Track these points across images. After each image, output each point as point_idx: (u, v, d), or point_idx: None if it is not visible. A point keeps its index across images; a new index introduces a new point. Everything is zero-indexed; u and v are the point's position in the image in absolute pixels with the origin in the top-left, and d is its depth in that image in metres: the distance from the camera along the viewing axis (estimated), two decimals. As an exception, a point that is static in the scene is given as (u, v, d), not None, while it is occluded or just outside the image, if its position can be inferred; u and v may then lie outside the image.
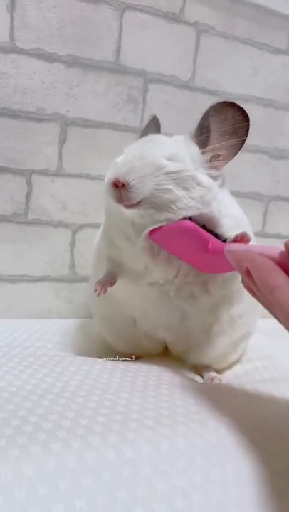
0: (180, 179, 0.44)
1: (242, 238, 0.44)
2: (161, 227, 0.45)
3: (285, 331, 0.31)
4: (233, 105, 0.46)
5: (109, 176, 0.45)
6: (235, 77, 0.84)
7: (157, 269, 0.49)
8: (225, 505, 0.32)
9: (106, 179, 0.46)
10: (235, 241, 0.44)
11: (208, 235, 0.44)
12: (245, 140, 0.47)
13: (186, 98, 0.81)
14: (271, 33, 0.85)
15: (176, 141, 0.49)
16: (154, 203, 0.44)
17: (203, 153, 0.48)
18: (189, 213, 0.45)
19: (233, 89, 0.84)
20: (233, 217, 0.49)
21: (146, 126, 0.59)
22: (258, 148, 0.89)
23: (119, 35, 0.75)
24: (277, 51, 0.87)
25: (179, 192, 0.44)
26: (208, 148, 0.47)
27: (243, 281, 0.34)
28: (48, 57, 0.71)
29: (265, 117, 0.88)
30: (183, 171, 0.44)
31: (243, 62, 0.84)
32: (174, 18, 0.78)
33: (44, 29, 0.70)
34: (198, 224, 0.45)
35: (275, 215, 0.94)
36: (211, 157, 0.48)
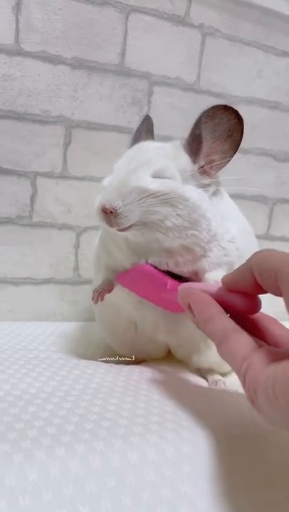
0: (168, 199, 0.44)
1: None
2: (124, 272, 0.49)
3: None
4: (226, 108, 0.45)
5: (97, 201, 0.45)
6: (241, 79, 0.84)
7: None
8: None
9: (95, 204, 0.46)
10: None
11: (166, 276, 0.47)
12: (239, 144, 0.46)
13: (191, 101, 0.81)
14: (276, 35, 0.85)
15: (165, 152, 0.47)
16: (145, 223, 0.45)
17: (194, 161, 0.47)
18: (175, 235, 0.45)
19: (238, 92, 0.84)
20: (222, 235, 0.48)
21: (138, 128, 0.58)
22: (263, 150, 0.89)
23: (124, 38, 0.75)
24: (283, 53, 0.87)
25: (166, 210, 0.44)
26: (201, 156, 0.46)
27: (191, 318, 0.37)
28: (53, 60, 0.71)
29: (270, 120, 0.88)
30: (170, 192, 0.44)
31: (248, 64, 0.84)
32: (179, 20, 0.78)
33: (49, 32, 0.70)
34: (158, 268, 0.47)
35: (280, 217, 0.94)
36: (205, 163, 0.47)
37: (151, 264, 0.47)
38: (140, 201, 0.43)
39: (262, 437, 0.37)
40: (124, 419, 0.36)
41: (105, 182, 0.48)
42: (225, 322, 0.33)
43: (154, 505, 0.30)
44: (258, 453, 0.36)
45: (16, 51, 0.69)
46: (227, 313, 0.34)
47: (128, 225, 0.44)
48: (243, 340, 0.31)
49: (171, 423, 0.37)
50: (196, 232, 0.46)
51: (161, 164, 0.45)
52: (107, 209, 0.43)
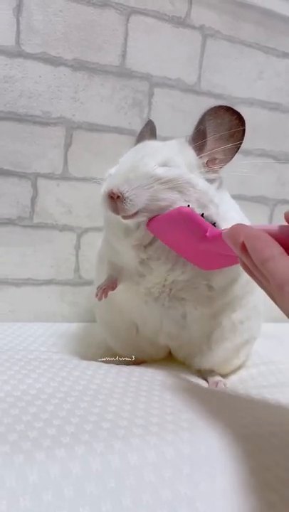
0: (175, 186, 0.44)
1: None
2: (157, 216, 0.45)
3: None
4: (228, 109, 0.46)
5: (104, 187, 0.45)
6: (241, 80, 0.84)
7: (151, 263, 0.48)
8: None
9: (102, 190, 0.46)
10: None
11: (207, 222, 0.42)
12: (241, 143, 0.47)
13: (191, 102, 0.81)
14: (277, 36, 0.85)
15: (171, 146, 0.48)
16: (152, 211, 0.44)
17: (199, 157, 0.47)
18: None
19: (239, 93, 0.84)
20: (230, 219, 0.48)
21: (141, 131, 0.59)
22: (264, 151, 0.89)
23: (125, 40, 0.75)
24: (283, 55, 0.87)
25: (174, 196, 0.44)
26: (205, 152, 0.47)
27: (240, 261, 0.33)
28: (54, 61, 0.71)
29: (270, 121, 0.88)
30: (177, 178, 0.44)
31: (248, 66, 0.84)
32: (179, 22, 0.78)
33: (50, 33, 0.70)
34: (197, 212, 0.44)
35: (280, 218, 0.93)
36: (208, 161, 0.48)
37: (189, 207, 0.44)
38: (147, 186, 0.43)
39: (262, 438, 0.37)
40: (124, 421, 0.36)
41: (111, 171, 0.48)
42: (288, 264, 0.28)
43: (154, 507, 0.30)
44: (258, 454, 0.36)
45: (16, 53, 0.69)
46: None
47: (134, 210, 0.44)
48: None
49: (171, 424, 0.37)
50: (206, 214, 0.45)
51: (167, 155, 0.46)
52: (114, 193, 0.43)
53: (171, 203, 0.44)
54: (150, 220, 0.45)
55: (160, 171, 0.44)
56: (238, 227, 0.33)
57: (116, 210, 0.44)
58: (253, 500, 0.32)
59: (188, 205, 0.44)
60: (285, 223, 0.32)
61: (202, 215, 0.44)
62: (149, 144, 0.50)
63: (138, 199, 0.43)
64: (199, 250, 0.43)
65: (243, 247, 0.32)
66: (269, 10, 0.83)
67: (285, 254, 0.30)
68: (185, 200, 0.44)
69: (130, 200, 0.43)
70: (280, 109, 0.89)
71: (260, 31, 0.83)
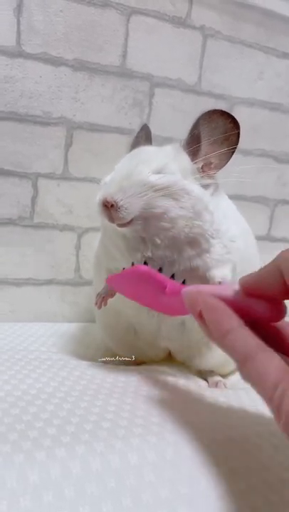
0: (169, 193, 0.44)
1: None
2: (117, 273, 0.45)
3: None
4: (222, 113, 0.46)
5: (98, 196, 0.45)
6: (241, 81, 0.84)
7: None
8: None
9: (96, 199, 0.46)
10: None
11: (165, 278, 0.42)
12: (236, 148, 0.47)
13: (192, 102, 0.81)
14: (277, 37, 0.85)
15: (165, 152, 0.48)
16: (146, 218, 0.44)
17: (194, 162, 0.47)
18: (182, 223, 0.45)
19: (239, 93, 0.84)
20: (224, 233, 0.48)
21: (137, 136, 0.59)
22: (264, 152, 0.89)
23: (126, 40, 0.75)
24: (284, 55, 0.87)
25: (168, 203, 0.44)
26: (200, 157, 0.47)
27: (199, 326, 0.32)
28: (55, 62, 0.71)
29: (271, 121, 0.88)
30: (171, 185, 0.44)
31: (249, 66, 0.84)
32: (180, 22, 0.78)
33: (51, 33, 0.70)
34: (155, 268, 0.45)
35: (281, 219, 0.94)
36: (203, 165, 0.48)
37: (146, 265, 0.45)
38: (141, 194, 0.43)
39: (263, 438, 0.37)
40: (124, 420, 0.36)
41: (106, 179, 0.48)
42: (248, 337, 0.28)
43: (154, 507, 0.30)
44: (257, 455, 0.36)
45: (17, 53, 0.69)
46: (243, 320, 0.29)
47: (129, 218, 0.44)
48: (272, 360, 0.26)
49: (171, 424, 0.37)
50: (201, 223, 0.46)
51: (162, 162, 0.46)
52: (108, 202, 0.43)
53: (165, 211, 0.44)
54: (109, 278, 0.45)
55: (154, 179, 0.44)
56: (194, 295, 0.32)
57: (111, 219, 0.44)
58: (254, 500, 0.32)
59: (145, 262, 0.45)
60: (238, 288, 0.31)
61: (160, 269, 0.45)
62: (144, 151, 0.50)
63: (132, 207, 0.43)
64: (160, 302, 0.43)
65: (201, 317, 0.31)
66: (269, 10, 0.83)
67: (243, 325, 0.29)
68: (180, 207, 0.44)
69: (125, 209, 0.43)
70: (280, 109, 0.89)
71: (260, 31, 0.83)
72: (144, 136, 0.58)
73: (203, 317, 0.30)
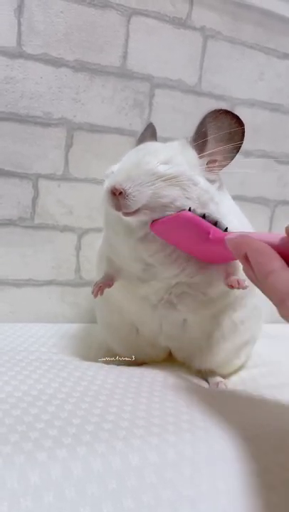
0: (177, 183, 0.44)
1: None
2: (161, 218, 0.45)
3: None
4: (227, 113, 0.47)
5: (107, 184, 0.46)
6: (242, 81, 0.84)
7: (155, 261, 0.48)
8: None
9: (104, 187, 0.46)
10: None
11: (209, 224, 0.43)
12: (241, 145, 0.47)
13: (192, 103, 0.81)
14: (277, 37, 0.85)
15: (172, 146, 0.49)
16: (153, 208, 0.45)
17: (200, 157, 0.48)
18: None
19: (240, 94, 0.84)
20: (230, 224, 0.49)
21: (142, 134, 0.59)
22: (265, 152, 0.89)
23: (126, 41, 0.75)
24: (284, 56, 0.87)
25: (175, 193, 0.45)
26: (206, 153, 0.48)
27: (243, 268, 0.34)
28: (55, 63, 0.71)
29: (271, 122, 0.88)
30: (179, 174, 0.45)
31: (249, 66, 0.84)
32: (180, 23, 0.78)
33: (51, 34, 0.70)
34: (199, 214, 0.45)
35: (281, 219, 0.94)
36: (208, 162, 0.48)
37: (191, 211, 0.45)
38: (149, 183, 0.44)
39: (263, 439, 0.37)
40: (126, 422, 0.36)
41: (114, 168, 0.48)
42: None
43: (156, 508, 0.30)
44: (259, 455, 0.36)
45: (18, 54, 0.69)
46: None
47: (136, 207, 0.44)
48: None
49: (172, 426, 0.37)
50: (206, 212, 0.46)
51: (169, 154, 0.46)
52: (116, 189, 0.43)
53: (172, 200, 0.44)
54: (154, 222, 0.45)
55: (162, 168, 0.45)
56: (241, 238, 0.34)
57: (118, 207, 0.44)
58: (255, 501, 0.32)
59: (190, 208, 0.45)
60: (285, 235, 0.32)
61: (204, 215, 0.44)
62: (151, 144, 0.51)
63: (140, 196, 0.43)
64: (203, 249, 0.44)
65: (246, 259, 0.32)
66: (269, 11, 0.83)
67: (286, 267, 0.30)
68: (186, 198, 0.45)
69: (133, 197, 0.43)
70: (281, 110, 0.89)
71: (260, 32, 0.84)
72: (149, 135, 0.58)
73: (249, 260, 0.32)
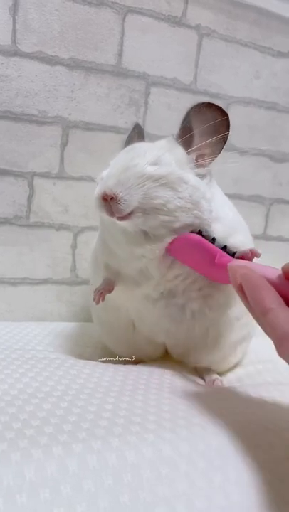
0: (167, 183, 0.45)
1: (251, 254, 0.44)
2: (174, 239, 0.46)
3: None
4: (210, 105, 0.47)
5: (97, 190, 0.46)
6: (237, 80, 0.84)
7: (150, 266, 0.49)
8: (227, 510, 0.32)
9: (95, 193, 0.46)
10: (243, 257, 0.44)
11: (216, 249, 0.44)
12: (227, 136, 0.48)
13: (187, 101, 0.80)
14: (273, 36, 0.85)
15: (160, 145, 0.49)
16: (145, 210, 0.45)
17: (188, 152, 0.48)
18: (183, 215, 0.46)
19: (235, 93, 0.84)
20: (224, 218, 0.50)
21: (129, 135, 0.59)
22: (260, 151, 0.89)
23: (121, 39, 0.75)
24: (279, 54, 0.87)
25: (167, 194, 0.45)
26: (193, 148, 0.48)
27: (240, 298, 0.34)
28: (50, 61, 0.71)
29: (266, 120, 0.88)
30: (169, 174, 0.45)
31: (244, 65, 0.84)
32: (175, 21, 0.78)
33: (46, 32, 0.70)
34: (208, 237, 0.46)
35: (277, 218, 0.94)
36: (197, 156, 0.48)
37: (201, 234, 0.46)
38: (139, 185, 0.44)
39: (258, 436, 0.38)
40: (122, 418, 0.36)
41: (103, 174, 0.48)
42: (287, 317, 0.29)
43: (152, 504, 0.30)
44: (254, 451, 0.36)
45: (12, 52, 0.69)
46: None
47: (129, 211, 0.44)
48: None
49: (168, 422, 0.37)
50: (199, 213, 0.46)
51: (157, 154, 0.46)
52: (107, 195, 0.43)
53: (165, 202, 0.45)
54: (170, 243, 0.47)
55: (151, 170, 0.45)
56: (240, 269, 0.34)
57: (111, 212, 0.45)
58: (250, 497, 0.33)
59: (199, 230, 0.46)
60: (281, 273, 0.33)
61: (213, 239, 0.45)
62: (138, 145, 0.51)
63: (132, 198, 0.44)
64: (212, 272, 0.45)
65: (242, 289, 0.32)
66: (265, 9, 0.83)
67: (284, 305, 0.30)
68: (179, 198, 0.45)
69: (124, 201, 0.43)
70: (276, 108, 0.89)
71: (256, 31, 0.84)
72: (136, 136, 0.58)
73: (244, 291, 0.32)
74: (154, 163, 0.45)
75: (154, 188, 0.44)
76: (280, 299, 0.31)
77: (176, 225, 0.46)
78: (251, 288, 0.32)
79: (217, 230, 0.48)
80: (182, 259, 0.47)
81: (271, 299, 0.30)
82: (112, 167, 0.47)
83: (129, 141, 0.57)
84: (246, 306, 0.33)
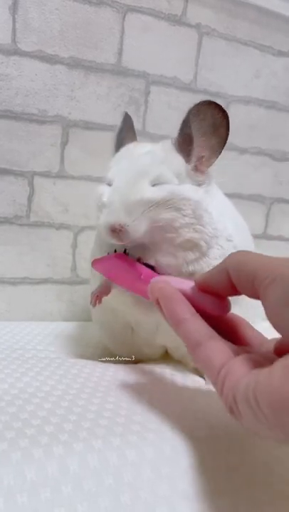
0: (171, 204, 0.45)
1: None
2: (101, 258, 0.48)
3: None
4: (210, 103, 0.45)
5: (104, 220, 0.45)
6: (237, 79, 0.84)
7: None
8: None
9: (101, 222, 0.45)
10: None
11: (141, 266, 0.45)
12: (226, 138, 0.46)
13: (187, 100, 0.81)
14: (273, 35, 0.85)
15: (158, 158, 0.47)
16: (152, 231, 0.45)
17: (187, 161, 0.47)
18: (185, 230, 0.46)
19: (235, 91, 0.84)
20: (223, 230, 0.49)
21: (121, 127, 0.57)
22: (260, 150, 0.89)
23: (121, 38, 0.75)
24: (279, 53, 0.87)
25: (172, 214, 0.45)
26: (193, 156, 0.47)
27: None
28: (50, 60, 0.71)
29: (267, 119, 0.88)
30: (172, 196, 0.45)
31: (245, 64, 0.84)
32: (175, 20, 0.78)
33: (46, 31, 0.70)
34: (133, 257, 0.46)
35: (277, 217, 0.94)
36: (196, 159, 0.48)
37: (126, 253, 0.47)
38: (145, 212, 0.44)
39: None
40: (122, 418, 0.36)
41: (104, 197, 0.47)
42: (199, 326, 0.32)
43: (153, 503, 0.30)
44: (256, 452, 0.36)
45: (12, 51, 0.69)
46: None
47: (138, 236, 0.44)
48: (219, 347, 0.30)
49: (168, 421, 0.37)
50: (201, 227, 0.47)
51: (157, 172, 0.46)
52: (115, 228, 0.44)
53: (170, 222, 0.45)
54: (94, 261, 0.48)
55: (156, 195, 0.45)
56: (156, 284, 0.36)
57: (120, 239, 0.45)
58: (252, 495, 0.32)
59: (125, 250, 0.46)
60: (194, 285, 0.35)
61: (138, 259, 0.46)
62: (135, 157, 0.49)
63: (140, 226, 0.44)
64: (139, 288, 0.45)
65: (157, 302, 0.34)
66: (265, 8, 0.83)
67: (197, 315, 0.32)
68: (183, 215, 0.45)
69: (133, 229, 0.44)
70: (276, 107, 0.89)
71: (256, 29, 0.84)
72: (127, 127, 0.57)
73: (160, 304, 0.34)
74: (156, 182, 0.45)
75: (159, 211, 0.44)
76: (193, 309, 0.33)
77: (179, 240, 0.46)
78: (166, 300, 0.34)
79: (212, 249, 0.48)
80: (109, 276, 0.48)
81: (183, 310, 0.33)
82: (113, 191, 0.46)
83: (120, 135, 0.56)
84: (164, 318, 0.34)
